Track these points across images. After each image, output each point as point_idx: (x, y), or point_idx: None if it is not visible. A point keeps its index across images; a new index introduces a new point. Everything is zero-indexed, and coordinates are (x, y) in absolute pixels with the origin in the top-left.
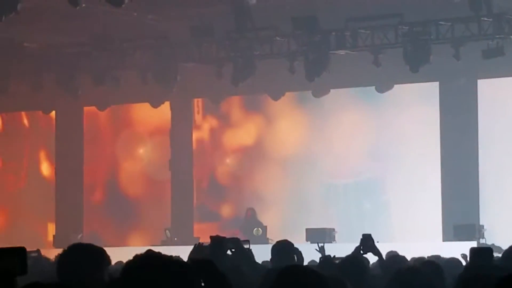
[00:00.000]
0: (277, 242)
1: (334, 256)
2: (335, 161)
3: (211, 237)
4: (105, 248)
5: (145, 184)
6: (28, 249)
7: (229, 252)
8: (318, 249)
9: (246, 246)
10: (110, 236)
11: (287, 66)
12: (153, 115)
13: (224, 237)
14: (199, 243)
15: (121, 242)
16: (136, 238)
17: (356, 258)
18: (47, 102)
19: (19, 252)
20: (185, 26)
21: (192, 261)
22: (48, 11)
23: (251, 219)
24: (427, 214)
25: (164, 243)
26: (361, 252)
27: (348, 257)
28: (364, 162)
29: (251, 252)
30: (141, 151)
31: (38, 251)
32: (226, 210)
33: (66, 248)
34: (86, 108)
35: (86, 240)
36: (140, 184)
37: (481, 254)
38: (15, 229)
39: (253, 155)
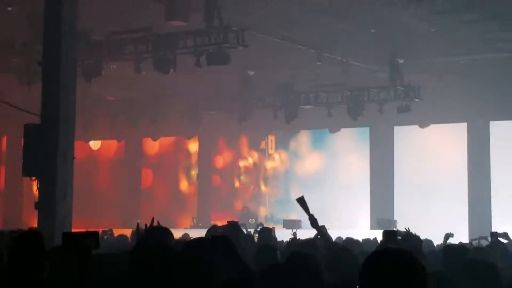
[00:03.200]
0: (262, 228)
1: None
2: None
3: (228, 222)
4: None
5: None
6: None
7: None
8: (292, 234)
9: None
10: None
11: (272, 114)
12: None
13: (236, 222)
14: (214, 225)
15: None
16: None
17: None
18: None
19: (95, 234)
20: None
21: (213, 237)
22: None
23: (247, 213)
24: (361, 211)
25: (192, 227)
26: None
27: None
28: (320, 180)
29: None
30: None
31: (111, 230)
32: (237, 206)
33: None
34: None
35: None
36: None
37: (390, 234)
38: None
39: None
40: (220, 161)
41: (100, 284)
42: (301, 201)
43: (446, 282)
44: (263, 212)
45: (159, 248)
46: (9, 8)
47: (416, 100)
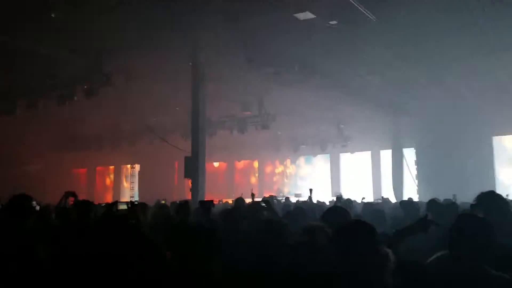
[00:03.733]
0: (285, 197)
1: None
2: (302, 176)
3: (270, 195)
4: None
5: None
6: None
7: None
8: (297, 199)
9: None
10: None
11: (288, 149)
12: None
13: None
14: (264, 196)
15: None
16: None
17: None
18: (226, 159)
19: (211, 201)
20: None
21: (262, 201)
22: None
23: (278, 190)
24: (326, 189)
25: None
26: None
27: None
28: (308, 177)
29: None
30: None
31: (221, 200)
32: (275, 187)
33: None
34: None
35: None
36: (254, 181)
37: (338, 198)
38: None
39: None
40: (268, 169)
41: (214, 219)
42: (311, 190)
43: (363, 218)
44: (286, 190)
45: (237, 207)
46: (177, 108)
47: (349, 142)
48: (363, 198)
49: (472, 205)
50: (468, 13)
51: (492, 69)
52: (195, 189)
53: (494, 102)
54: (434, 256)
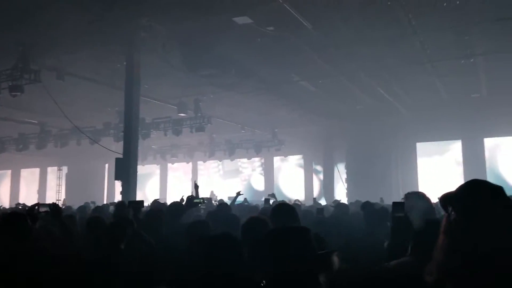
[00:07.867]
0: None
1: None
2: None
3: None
4: None
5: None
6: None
7: None
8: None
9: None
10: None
11: (223, 153)
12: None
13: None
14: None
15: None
16: None
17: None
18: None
19: (142, 201)
20: None
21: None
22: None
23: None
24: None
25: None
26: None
27: None
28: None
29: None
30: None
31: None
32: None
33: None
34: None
35: None
36: None
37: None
38: None
39: None
40: (202, 172)
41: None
42: (238, 193)
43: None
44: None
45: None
46: (108, 109)
47: (283, 146)
48: (296, 200)
49: (394, 203)
50: (398, 25)
51: (419, 79)
52: (126, 192)
53: (419, 110)
54: (394, 262)
